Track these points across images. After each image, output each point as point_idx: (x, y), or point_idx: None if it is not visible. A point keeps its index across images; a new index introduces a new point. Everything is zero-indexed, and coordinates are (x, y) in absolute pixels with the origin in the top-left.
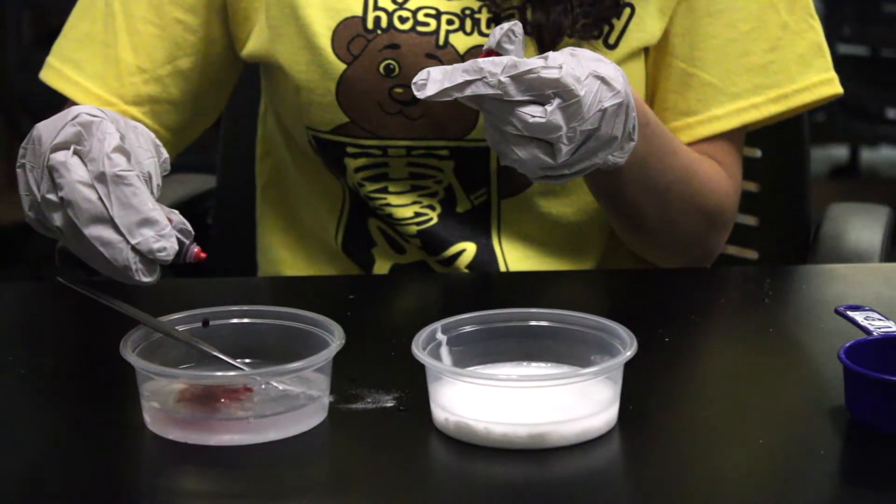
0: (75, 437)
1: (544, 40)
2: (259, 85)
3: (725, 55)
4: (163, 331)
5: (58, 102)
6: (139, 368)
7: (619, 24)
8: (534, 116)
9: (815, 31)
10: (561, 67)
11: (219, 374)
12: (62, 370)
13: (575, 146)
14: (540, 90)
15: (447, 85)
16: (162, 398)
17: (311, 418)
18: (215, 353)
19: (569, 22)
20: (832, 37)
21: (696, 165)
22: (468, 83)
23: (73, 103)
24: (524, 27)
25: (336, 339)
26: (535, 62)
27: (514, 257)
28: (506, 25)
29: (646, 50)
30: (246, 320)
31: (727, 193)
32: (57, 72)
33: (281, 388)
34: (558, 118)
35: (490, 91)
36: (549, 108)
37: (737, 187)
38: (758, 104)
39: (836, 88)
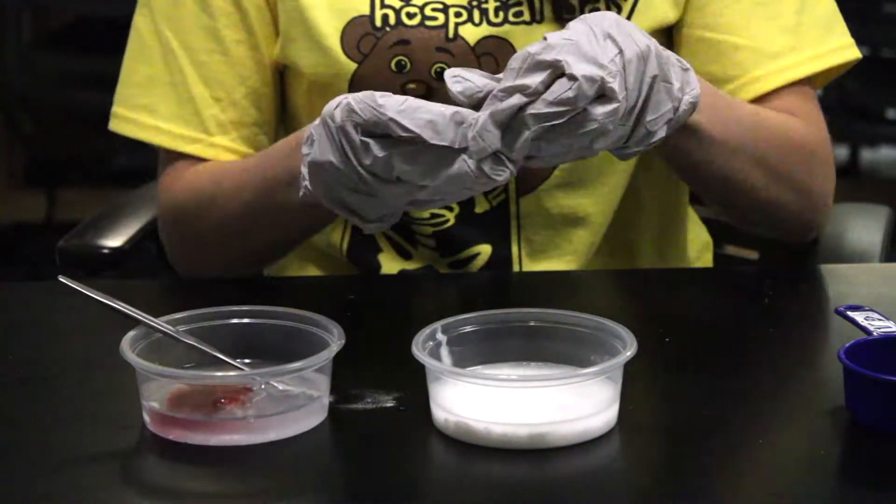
0: (75, 437)
1: (558, 3)
2: None
3: (755, 18)
4: (162, 331)
5: (58, 106)
6: (139, 368)
7: (626, 6)
8: (564, 91)
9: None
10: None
11: (219, 374)
12: (62, 370)
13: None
14: (544, 69)
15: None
16: (162, 398)
17: (311, 418)
18: (215, 354)
19: None
20: None
21: (758, 109)
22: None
23: (153, 149)
24: (532, 9)
25: (336, 339)
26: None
27: (530, 259)
28: (447, 78)
29: (668, 33)
30: (246, 320)
31: (801, 127)
32: (130, 121)
33: (281, 388)
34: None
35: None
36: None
37: (814, 128)
38: (800, 62)
39: (857, 53)
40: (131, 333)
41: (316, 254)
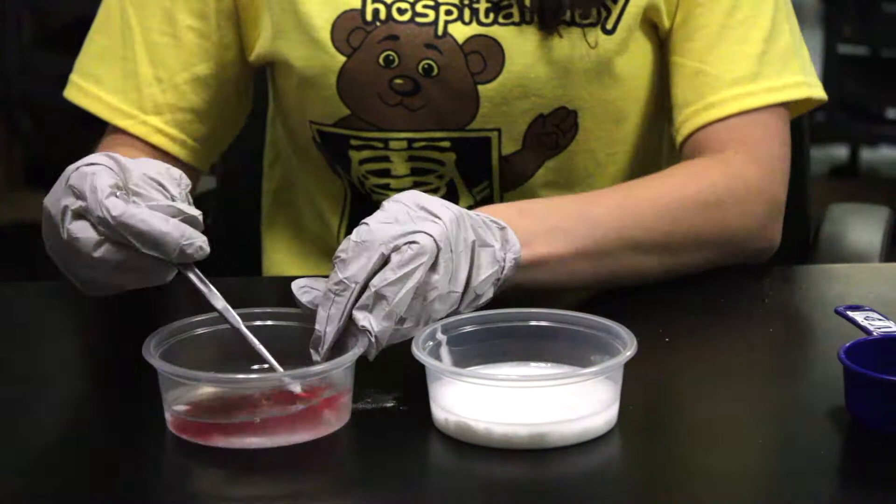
0: (75, 437)
1: (546, 20)
2: (262, 88)
3: (722, 42)
4: (233, 325)
5: (58, 106)
6: (161, 371)
7: (615, 9)
8: None
9: (790, 34)
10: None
11: (241, 376)
12: (62, 370)
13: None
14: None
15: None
16: (183, 401)
17: (334, 421)
18: (264, 352)
19: (568, 1)
20: (832, 37)
21: (630, 187)
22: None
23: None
24: (522, 12)
25: (359, 344)
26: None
27: None
28: (294, 290)
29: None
30: (269, 322)
31: (707, 176)
32: (79, 88)
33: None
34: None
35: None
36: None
37: (763, 166)
38: (756, 91)
39: (809, 92)
40: (153, 336)
41: (318, 255)
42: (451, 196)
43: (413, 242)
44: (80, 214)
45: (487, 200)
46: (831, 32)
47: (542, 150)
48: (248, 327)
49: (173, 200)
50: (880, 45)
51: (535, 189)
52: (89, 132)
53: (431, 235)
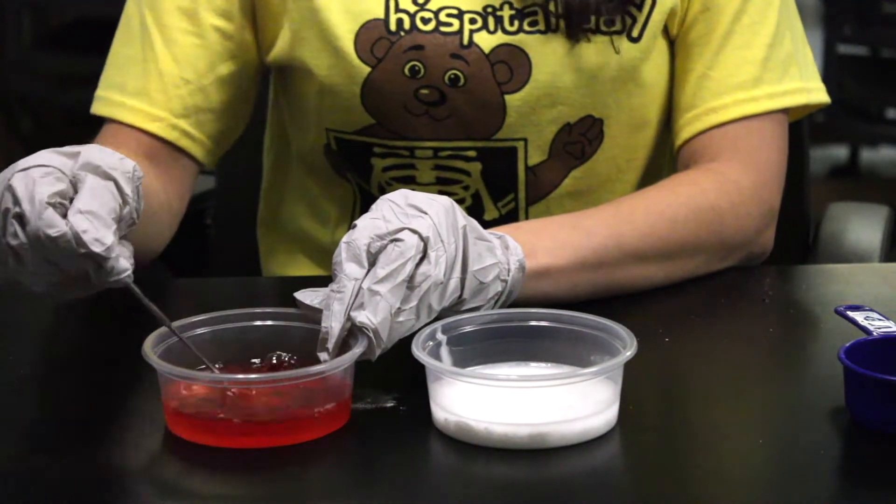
0: (74, 437)
1: (572, 27)
2: (261, 88)
3: (725, 47)
4: (177, 333)
5: (58, 106)
6: (160, 371)
7: (641, 17)
8: None
9: (792, 39)
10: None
11: (240, 376)
12: (62, 370)
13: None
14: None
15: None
16: (181, 400)
17: (334, 421)
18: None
19: (595, 3)
20: (832, 37)
21: (624, 202)
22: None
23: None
24: (548, 19)
25: (359, 344)
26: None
27: None
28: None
29: (667, 36)
30: (269, 322)
31: (699, 186)
32: (102, 100)
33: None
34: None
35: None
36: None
37: (757, 173)
38: (757, 97)
39: (808, 98)
40: (152, 335)
41: (320, 259)
42: (477, 209)
43: (398, 240)
44: (20, 219)
45: (512, 214)
46: (831, 32)
47: (568, 159)
48: (248, 327)
49: (124, 203)
50: (880, 45)
51: (560, 200)
52: (89, 132)
53: (417, 231)
